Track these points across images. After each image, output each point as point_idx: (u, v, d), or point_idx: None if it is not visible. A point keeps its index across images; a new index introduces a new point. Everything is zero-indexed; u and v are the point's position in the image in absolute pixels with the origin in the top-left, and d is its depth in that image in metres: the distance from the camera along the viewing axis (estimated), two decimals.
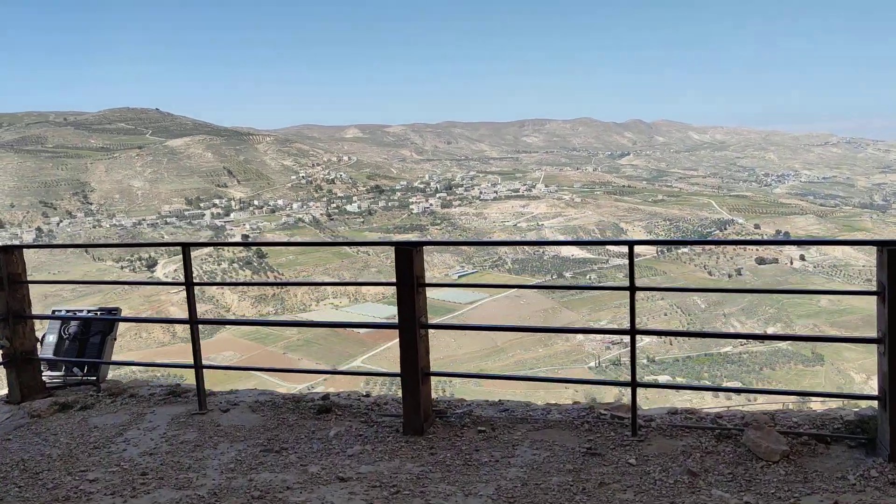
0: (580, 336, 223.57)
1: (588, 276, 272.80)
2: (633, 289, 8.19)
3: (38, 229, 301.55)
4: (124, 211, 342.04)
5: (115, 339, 11.07)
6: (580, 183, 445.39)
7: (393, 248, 8.91)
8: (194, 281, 9.95)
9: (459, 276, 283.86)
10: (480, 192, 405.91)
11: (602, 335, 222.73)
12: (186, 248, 9.35)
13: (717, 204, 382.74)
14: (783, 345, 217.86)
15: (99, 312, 11.02)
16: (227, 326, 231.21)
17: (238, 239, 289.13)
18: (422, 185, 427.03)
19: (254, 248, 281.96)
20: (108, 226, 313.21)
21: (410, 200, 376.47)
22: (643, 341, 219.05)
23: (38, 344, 10.71)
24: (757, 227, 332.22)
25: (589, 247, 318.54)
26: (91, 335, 10.75)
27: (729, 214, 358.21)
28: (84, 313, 10.92)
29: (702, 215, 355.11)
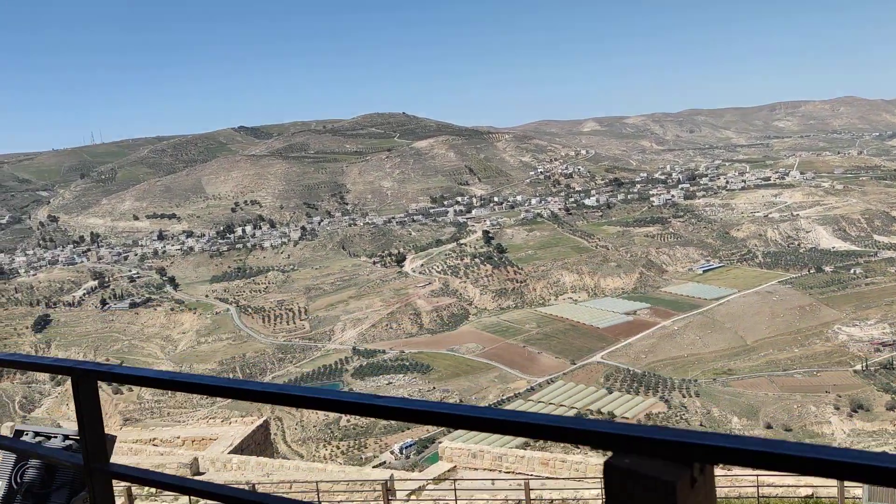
0: (842, 335, 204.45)
1: (852, 271, 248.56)
2: None
3: (303, 228, 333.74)
4: (376, 210, 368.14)
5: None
6: (842, 168, 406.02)
7: None
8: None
9: (704, 271, 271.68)
10: (727, 182, 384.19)
11: (869, 335, 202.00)
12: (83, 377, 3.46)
13: None
14: None
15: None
16: (469, 318, 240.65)
17: (479, 234, 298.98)
18: (663, 177, 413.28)
19: (497, 245, 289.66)
20: (361, 224, 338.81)
21: (651, 192, 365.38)
22: None
23: None
24: None
25: (853, 239, 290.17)
26: (54, 489, 6.07)
27: None
28: (55, 441, 6.24)
29: None
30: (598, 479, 19.73)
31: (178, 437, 39.40)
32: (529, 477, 22.05)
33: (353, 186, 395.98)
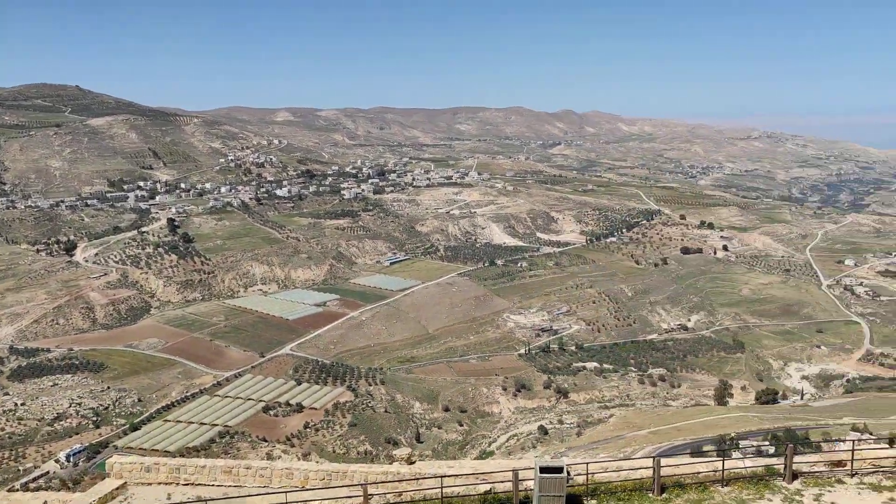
0: (510, 323, 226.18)
1: (519, 265, 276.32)
2: None
3: None
4: (41, 192, 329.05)
5: None
6: (512, 171, 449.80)
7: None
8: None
9: (391, 263, 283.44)
10: (413, 179, 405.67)
11: (532, 322, 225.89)
12: None
13: (644, 194, 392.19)
14: (707, 332, 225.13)
15: None
16: (151, 312, 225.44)
17: (164, 222, 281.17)
18: (354, 171, 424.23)
19: (183, 235, 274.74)
20: (22, 207, 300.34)
21: (342, 186, 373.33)
22: (572, 328, 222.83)
23: None
24: (682, 217, 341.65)
25: (520, 236, 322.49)
26: None
27: (656, 205, 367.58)
28: None
29: (630, 205, 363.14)
30: (284, 488, 18.92)
31: None
32: (211, 487, 20.53)
33: (12, 164, 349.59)
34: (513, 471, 15.50)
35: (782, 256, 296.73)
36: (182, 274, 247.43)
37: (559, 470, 15.11)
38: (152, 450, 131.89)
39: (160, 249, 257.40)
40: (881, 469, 17.33)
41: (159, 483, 20.70)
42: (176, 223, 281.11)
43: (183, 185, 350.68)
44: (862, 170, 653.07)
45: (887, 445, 20.69)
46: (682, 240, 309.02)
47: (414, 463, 21.14)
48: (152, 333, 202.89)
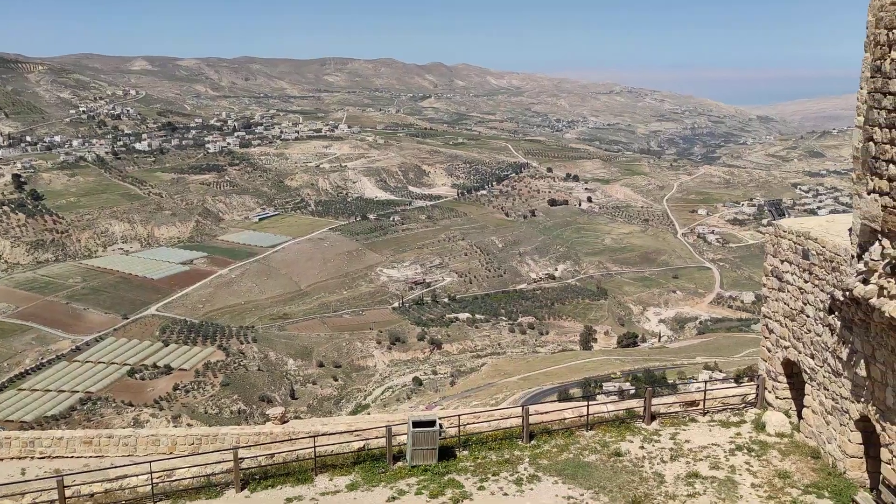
0: (384, 277, 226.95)
1: (392, 218, 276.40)
2: None
3: None
4: None
5: None
6: (383, 124, 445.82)
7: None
8: None
9: (260, 219, 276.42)
10: (281, 132, 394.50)
11: (405, 275, 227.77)
12: None
13: (513, 147, 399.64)
14: (573, 281, 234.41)
15: None
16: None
17: (8, 178, 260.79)
18: (218, 123, 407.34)
19: (31, 192, 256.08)
20: None
21: (206, 139, 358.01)
22: (444, 281, 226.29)
23: None
24: (549, 170, 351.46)
25: (392, 190, 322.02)
26: None
27: (524, 158, 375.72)
28: None
29: (500, 158, 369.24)
30: (150, 456, 18.24)
31: None
32: (71, 459, 19.54)
33: None
34: (386, 426, 15.63)
35: (642, 207, 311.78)
36: (31, 234, 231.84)
37: (431, 423, 15.44)
38: (6, 421, 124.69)
39: (5, 208, 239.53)
40: (729, 406, 18.68)
41: (12, 458, 19.49)
42: (22, 179, 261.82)
43: (28, 139, 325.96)
44: (713, 123, 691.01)
45: (734, 384, 22.39)
46: (550, 192, 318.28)
47: (287, 422, 20.91)
48: (0, 298, 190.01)
